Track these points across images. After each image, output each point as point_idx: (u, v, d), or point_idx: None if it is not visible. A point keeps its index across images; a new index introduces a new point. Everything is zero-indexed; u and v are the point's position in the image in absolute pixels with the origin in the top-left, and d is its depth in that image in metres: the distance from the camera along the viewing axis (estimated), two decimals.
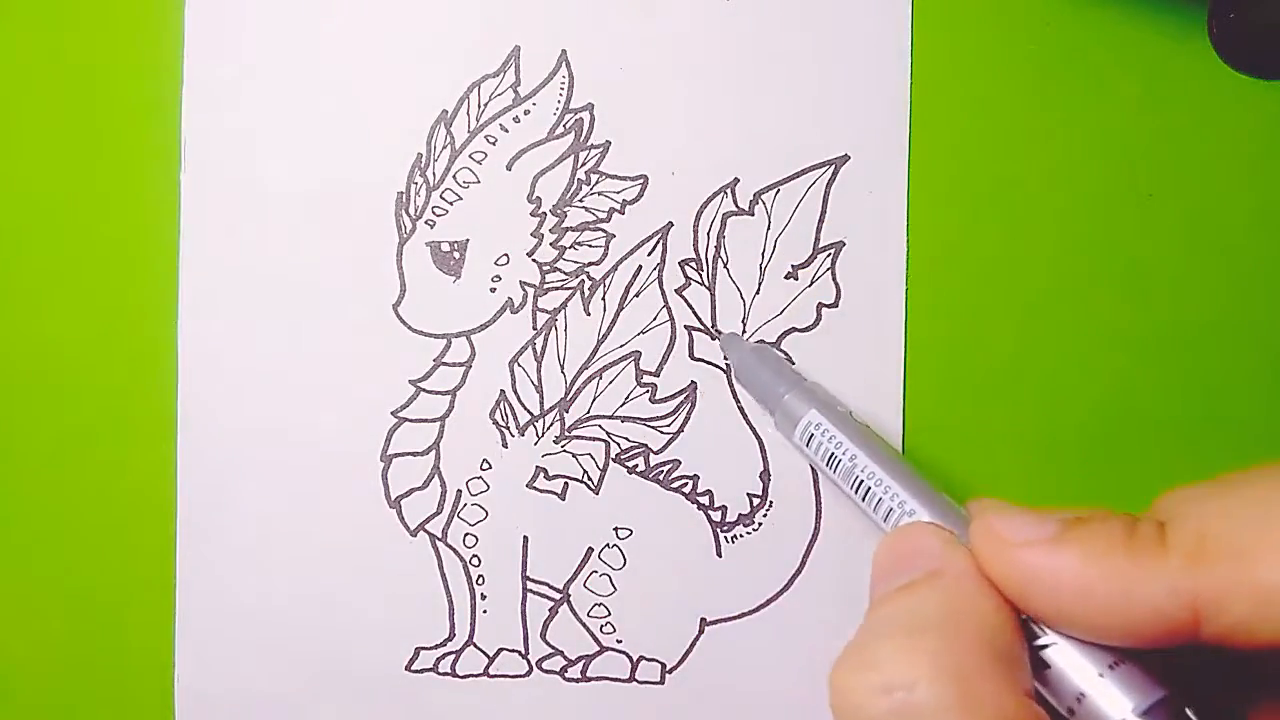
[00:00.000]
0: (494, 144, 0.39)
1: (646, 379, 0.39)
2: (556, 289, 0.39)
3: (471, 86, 0.39)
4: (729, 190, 0.39)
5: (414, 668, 0.40)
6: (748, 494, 0.39)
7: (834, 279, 0.39)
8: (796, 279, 0.39)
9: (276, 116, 0.39)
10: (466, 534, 0.40)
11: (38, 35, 0.40)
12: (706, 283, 0.39)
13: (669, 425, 0.39)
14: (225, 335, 0.39)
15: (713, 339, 0.39)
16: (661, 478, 0.39)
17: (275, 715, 0.40)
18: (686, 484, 0.39)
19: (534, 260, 0.39)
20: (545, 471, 0.39)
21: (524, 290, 0.39)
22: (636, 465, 0.39)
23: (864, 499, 0.33)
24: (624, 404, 0.39)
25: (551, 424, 0.39)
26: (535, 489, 0.39)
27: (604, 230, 0.39)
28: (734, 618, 0.40)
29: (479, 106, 0.39)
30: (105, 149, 0.39)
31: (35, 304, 0.40)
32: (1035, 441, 0.39)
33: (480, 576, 0.40)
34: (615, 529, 0.40)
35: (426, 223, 0.39)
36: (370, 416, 0.39)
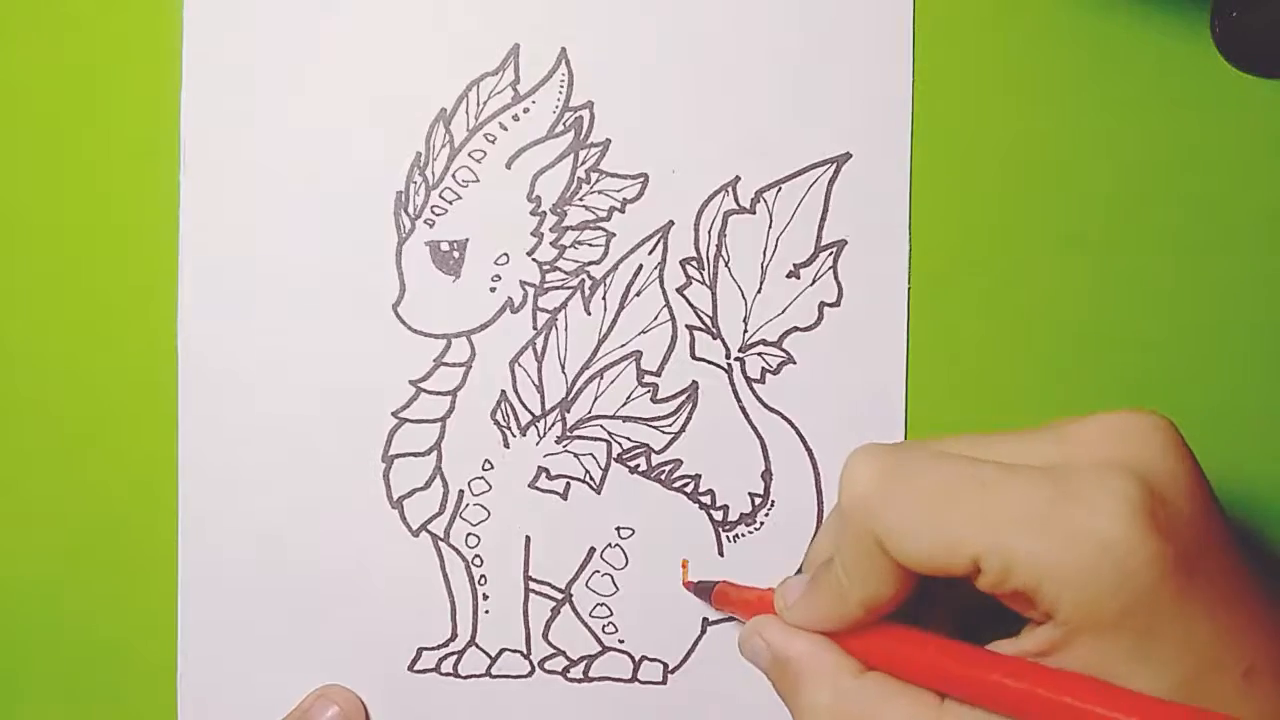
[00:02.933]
0: (493, 142, 0.39)
1: (648, 379, 0.39)
2: (557, 288, 0.39)
3: (470, 84, 0.39)
4: (730, 188, 0.39)
5: (416, 668, 0.40)
6: (749, 493, 0.39)
7: (836, 278, 0.39)
8: (798, 278, 0.39)
9: (276, 116, 0.39)
10: (469, 534, 0.39)
11: (38, 35, 0.39)
12: (708, 282, 0.39)
13: (670, 425, 0.39)
14: (225, 335, 0.39)
15: (714, 339, 0.39)
16: (663, 477, 0.39)
17: (277, 715, 0.39)
18: (688, 483, 0.39)
19: (534, 259, 0.39)
20: (547, 471, 0.39)
21: (524, 290, 0.39)
22: (638, 465, 0.39)
23: None
24: (625, 404, 0.39)
25: (553, 424, 0.39)
26: (537, 489, 0.39)
27: (604, 229, 0.39)
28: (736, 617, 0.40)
29: (478, 105, 0.39)
30: (105, 149, 0.39)
31: (35, 304, 0.40)
32: None
33: (482, 576, 0.40)
34: (617, 529, 0.39)
35: (426, 222, 0.39)
36: (371, 417, 0.39)
